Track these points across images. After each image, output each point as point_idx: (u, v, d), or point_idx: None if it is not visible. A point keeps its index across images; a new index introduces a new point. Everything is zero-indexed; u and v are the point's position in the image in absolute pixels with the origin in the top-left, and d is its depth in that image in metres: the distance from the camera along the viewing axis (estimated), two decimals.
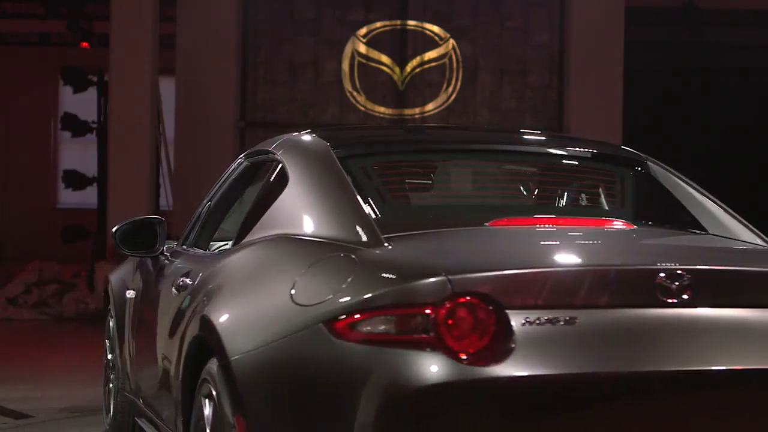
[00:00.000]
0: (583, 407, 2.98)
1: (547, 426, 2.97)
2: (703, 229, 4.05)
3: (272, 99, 14.90)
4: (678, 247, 3.65)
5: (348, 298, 3.08)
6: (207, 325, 3.59)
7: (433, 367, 2.92)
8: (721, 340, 3.10)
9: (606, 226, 3.78)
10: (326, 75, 14.91)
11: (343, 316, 3.03)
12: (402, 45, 14.95)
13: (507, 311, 2.98)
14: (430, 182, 4.33)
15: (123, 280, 5.72)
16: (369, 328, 3.00)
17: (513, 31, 14.87)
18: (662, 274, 3.09)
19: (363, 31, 14.92)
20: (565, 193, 4.38)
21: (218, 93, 14.53)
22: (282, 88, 14.90)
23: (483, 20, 14.91)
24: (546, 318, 2.99)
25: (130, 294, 5.43)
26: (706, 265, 3.22)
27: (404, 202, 4.13)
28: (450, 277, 2.99)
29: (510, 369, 2.94)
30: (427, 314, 2.96)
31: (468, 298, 2.96)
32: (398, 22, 14.96)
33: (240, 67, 14.76)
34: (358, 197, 3.62)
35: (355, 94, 14.87)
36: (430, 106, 14.90)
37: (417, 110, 14.90)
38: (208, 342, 3.56)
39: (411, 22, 14.94)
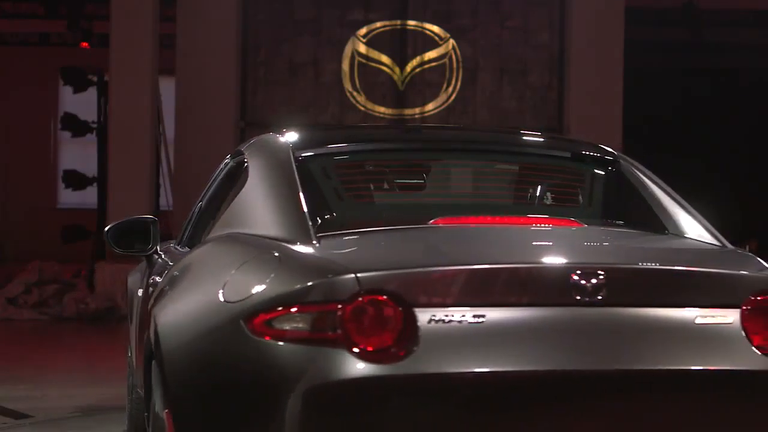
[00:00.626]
0: (487, 405, 2.99)
1: (449, 423, 2.98)
2: (665, 228, 3.98)
3: (272, 99, 14.90)
4: (608, 247, 3.58)
5: (265, 296, 3.12)
6: (153, 323, 3.66)
7: (338, 365, 2.96)
8: (632, 340, 3.09)
9: (549, 225, 3.74)
10: (326, 75, 14.91)
11: (259, 314, 3.07)
12: (402, 45, 14.95)
13: (414, 309, 3.00)
14: (390, 181, 4.34)
15: (136, 280, 5.79)
16: (282, 325, 3.04)
17: (513, 31, 14.87)
18: (576, 273, 3.08)
19: (363, 31, 14.92)
20: (529, 192, 4.38)
21: (218, 93, 14.52)
22: (282, 88, 14.90)
23: (483, 20, 14.91)
24: (453, 316, 3.00)
25: (139, 293, 5.51)
26: (621, 264, 3.20)
27: (357, 201, 4.13)
28: (359, 275, 3.02)
29: (414, 366, 2.96)
30: (336, 312, 3.00)
31: (375, 295, 2.99)
32: (398, 22, 14.96)
33: (240, 67, 14.76)
34: (303, 197, 3.63)
35: (355, 94, 14.87)
36: (430, 106, 14.90)
37: (417, 110, 14.90)
38: (152, 339, 3.65)
39: (411, 22, 14.94)
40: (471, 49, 14.90)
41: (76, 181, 16.07)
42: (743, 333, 3.15)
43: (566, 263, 3.15)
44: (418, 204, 4.21)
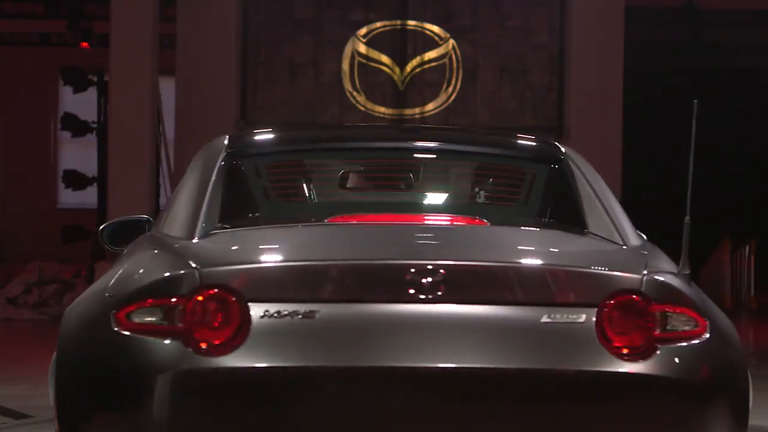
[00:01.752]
0: (311, 399, 3.04)
1: (274, 415, 3.04)
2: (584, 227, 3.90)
3: (272, 99, 14.90)
4: (472, 245, 3.50)
5: (129, 290, 3.25)
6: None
7: (175, 357, 3.08)
8: (467, 337, 3.08)
9: (439, 224, 3.74)
10: (326, 75, 14.91)
11: (123, 307, 3.20)
12: (402, 45, 14.95)
13: (249, 304, 3.08)
14: (314, 181, 4.38)
15: None
16: (138, 318, 3.16)
17: (513, 31, 14.87)
18: (412, 271, 3.09)
19: (363, 31, 14.92)
20: (459, 189, 4.39)
21: (218, 93, 14.52)
22: (282, 88, 14.90)
23: (483, 20, 14.91)
24: (285, 311, 3.07)
25: None
26: (460, 262, 3.17)
27: (278, 201, 4.19)
28: (200, 270, 3.13)
29: (243, 360, 3.04)
30: (179, 306, 3.11)
31: (214, 290, 3.10)
32: (398, 22, 14.95)
33: (240, 67, 14.76)
34: (210, 197, 3.73)
35: (355, 94, 14.87)
36: (430, 106, 14.90)
37: (417, 110, 14.90)
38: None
39: (411, 22, 14.94)
40: (471, 49, 14.89)
41: (76, 181, 16.06)
42: (595, 333, 3.11)
43: (402, 261, 3.15)
44: (340, 202, 4.25)
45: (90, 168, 15.98)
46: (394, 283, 3.10)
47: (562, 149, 4.20)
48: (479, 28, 14.93)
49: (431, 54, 14.91)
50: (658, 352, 3.16)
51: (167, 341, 3.10)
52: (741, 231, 17.89)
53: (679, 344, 3.20)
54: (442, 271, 3.09)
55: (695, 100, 3.77)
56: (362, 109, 14.85)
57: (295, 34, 14.85)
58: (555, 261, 3.29)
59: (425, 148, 4.29)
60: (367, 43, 14.91)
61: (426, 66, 14.91)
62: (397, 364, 3.04)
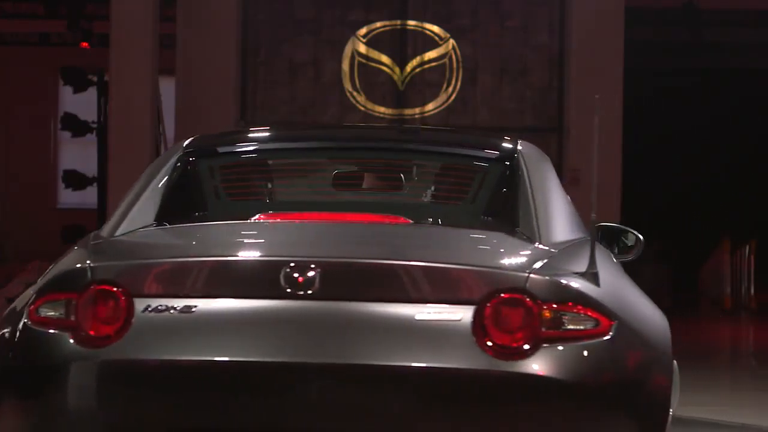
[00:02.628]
0: (186, 392, 3.11)
1: (149, 406, 3.13)
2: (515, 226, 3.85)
3: (272, 99, 14.90)
4: (365, 242, 3.50)
5: (40, 285, 3.37)
6: None
7: (64, 349, 3.18)
8: (335, 333, 3.10)
9: (352, 222, 3.74)
10: (326, 75, 14.91)
11: (33, 301, 3.31)
12: (402, 45, 14.95)
13: (134, 298, 3.17)
14: (261, 181, 4.41)
15: None
16: (43, 312, 3.27)
17: (513, 31, 14.87)
18: (288, 267, 3.12)
19: (363, 31, 14.92)
20: (402, 188, 4.38)
21: (218, 93, 14.52)
22: (282, 88, 14.90)
23: (483, 20, 14.91)
24: (165, 306, 3.15)
25: None
26: (335, 259, 3.19)
27: (219, 200, 4.22)
28: (91, 266, 3.25)
29: (122, 352, 3.15)
30: (72, 300, 3.22)
31: (102, 286, 3.20)
32: (398, 22, 14.95)
33: (240, 67, 14.76)
34: (145, 195, 3.89)
35: (355, 94, 14.87)
36: (430, 106, 14.90)
37: (417, 110, 14.90)
38: None
39: (411, 22, 14.94)
40: (471, 49, 14.89)
41: (76, 181, 16.06)
42: (470, 331, 3.09)
43: (278, 257, 3.20)
44: (283, 201, 4.29)
45: (90, 168, 15.98)
46: (269, 279, 3.14)
47: (518, 147, 4.12)
48: (479, 28, 14.93)
49: (431, 54, 14.91)
50: (541, 351, 3.11)
51: (63, 334, 3.20)
52: (741, 231, 17.88)
53: (570, 344, 3.15)
54: (317, 267, 3.12)
55: (596, 95, 3.81)
56: (362, 109, 14.85)
57: (295, 34, 14.85)
58: (439, 259, 3.25)
59: (377, 147, 4.32)
60: (367, 43, 14.91)
61: (426, 66, 14.91)
62: (267, 359, 3.08)
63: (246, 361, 3.09)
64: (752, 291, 16.89)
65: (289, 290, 3.12)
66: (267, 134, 4.71)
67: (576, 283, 3.24)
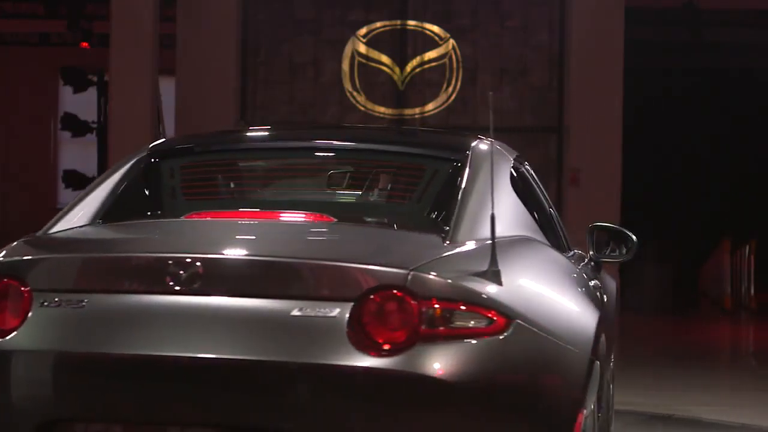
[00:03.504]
0: (73, 384, 3.20)
1: (38, 396, 3.21)
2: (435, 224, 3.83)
3: (272, 99, 14.90)
4: (268, 239, 3.53)
5: None
6: None
7: None
8: (214, 328, 3.14)
9: (264, 221, 3.77)
10: (326, 75, 14.91)
11: None
12: (402, 45, 14.95)
13: (34, 292, 3.27)
14: (215, 182, 4.44)
15: None
16: None
17: (513, 31, 14.87)
18: (172, 263, 3.18)
19: (363, 31, 14.92)
20: (347, 188, 4.37)
21: (218, 93, 14.53)
22: (282, 88, 14.90)
23: (483, 20, 14.91)
24: (60, 300, 3.25)
25: None
26: (215, 255, 3.23)
27: (175, 199, 4.27)
28: (1, 260, 3.39)
29: (15, 344, 3.23)
30: None
31: (6, 279, 3.31)
32: (398, 22, 14.96)
33: (240, 67, 14.76)
34: (93, 194, 3.98)
35: (355, 94, 14.88)
36: (430, 106, 14.90)
37: (417, 110, 14.91)
38: None
39: (411, 22, 14.95)
40: (471, 49, 14.89)
41: (76, 181, 16.07)
42: (346, 327, 3.08)
43: (163, 254, 3.26)
44: (226, 201, 4.32)
45: (90, 168, 15.99)
46: (154, 275, 3.20)
47: (472, 146, 4.08)
48: (479, 28, 14.93)
49: (431, 54, 14.91)
50: (417, 349, 3.07)
51: None
52: (741, 231, 17.89)
53: (453, 342, 3.10)
54: (199, 264, 3.16)
55: (490, 93, 3.77)
56: (362, 109, 14.86)
57: (295, 34, 14.85)
58: (323, 256, 3.27)
59: (330, 147, 4.34)
60: (367, 43, 14.91)
61: (426, 66, 14.91)
62: (150, 353, 3.14)
63: (127, 354, 3.15)
64: (752, 291, 16.89)
65: (171, 286, 3.17)
66: (229, 136, 4.76)
67: (468, 282, 3.18)
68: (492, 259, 3.23)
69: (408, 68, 14.90)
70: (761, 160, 21.79)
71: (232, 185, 4.42)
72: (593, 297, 4.00)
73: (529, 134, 14.69)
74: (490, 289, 3.20)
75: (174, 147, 4.42)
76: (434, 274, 3.14)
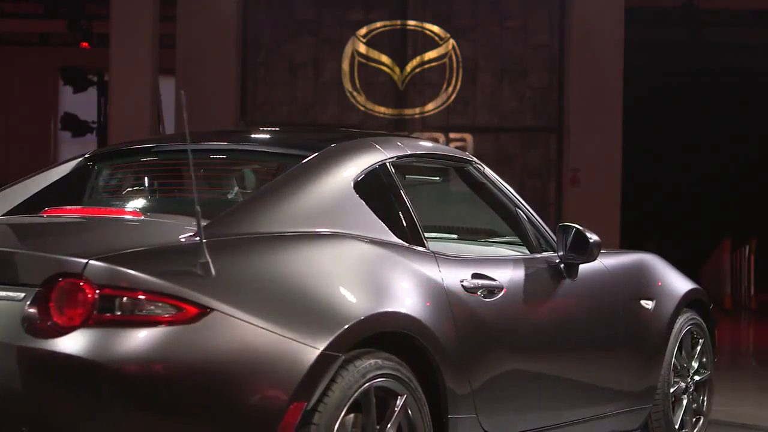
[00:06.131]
0: None
1: None
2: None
3: (272, 99, 14.91)
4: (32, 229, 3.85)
5: None
6: None
7: None
8: None
9: (86, 216, 3.97)
10: (326, 75, 14.92)
11: None
12: (402, 45, 14.96)
13: None
14: (120, 182, 4.65)
15: None
16: None
17: (513, 31, 14.88)
18: None
19: (363, 31, 14.93)
20: (206, 187, 4.48)
21: (218, 93, 14.53)
22: (282, 88, 14.91)
23: (483, 20, 14.92)
24: None
25: None
26: None
27: (83, 199, 4.50)
28: None
29: None
30: None
31: None
32: (398, 22, 14.96)
33: (240, 67, 14.77)
34: (16, 186, 4.40)
35: (355, 94, 14.88)
36: (430, 106, 14.91)
37: (417, 110, 14.91)
38: None
39: (411, 22, 14.95)
40: (471, 49, 14.90)
41: None
42: (26, 310, 3.22)
43: None
44: (94, 199, 4.53)
45: None
46: None
47: (323, 146, 4.10)
48: (479, 28, 14.94)
49: (431, 54, 14.92)
50: (87, 334, 3.17)
51: None
52: (741, 231, 17.89)
53: (127, 329, 3.19)
54: None
55: (181, 91, 3.87)
56: (362, 109, 14.86)
57: (295, 34, 14.86)
58: (23, 246, 3.59)
59: (201, 149, 4.41)
60: (367, 43, 14.92)
61: (426, 66, 14.91)
62: None
63: None
64: (752, 291, 16.90)
65: None
66: (140, 141, 4.86)
67: (158, 273, 3.26)
68: (201, 252, 3.29)
69: (408, 68, 14.91)
70: (761, 160, 21.80)
71: (114, 183, 4.63)
72: (394, 295, 3.75)
73: (529, 134, 14.71)
74: (186, 279, 3.26)
75: (112, 149, 4.71)
76: (115, 264, 3.24)
